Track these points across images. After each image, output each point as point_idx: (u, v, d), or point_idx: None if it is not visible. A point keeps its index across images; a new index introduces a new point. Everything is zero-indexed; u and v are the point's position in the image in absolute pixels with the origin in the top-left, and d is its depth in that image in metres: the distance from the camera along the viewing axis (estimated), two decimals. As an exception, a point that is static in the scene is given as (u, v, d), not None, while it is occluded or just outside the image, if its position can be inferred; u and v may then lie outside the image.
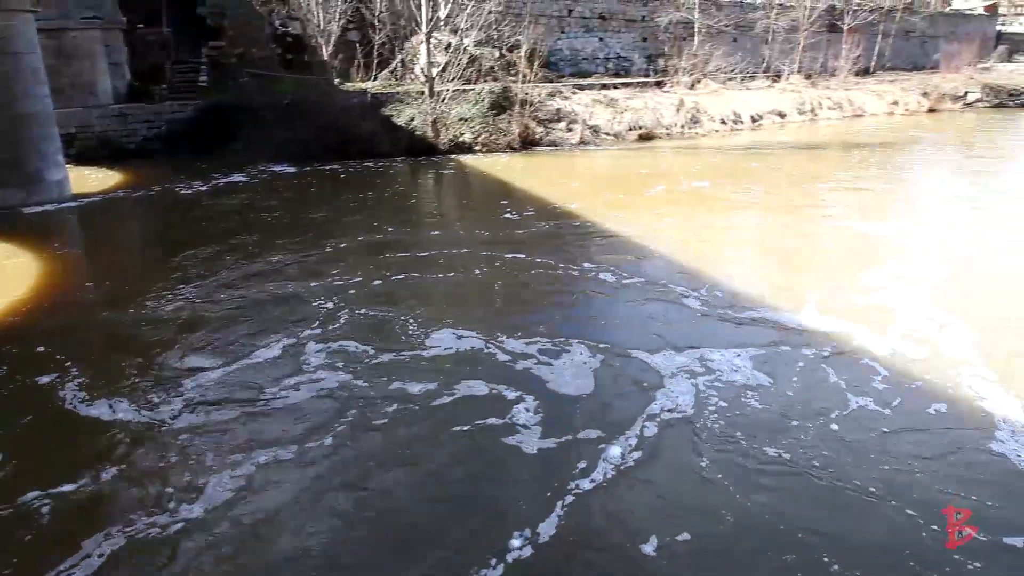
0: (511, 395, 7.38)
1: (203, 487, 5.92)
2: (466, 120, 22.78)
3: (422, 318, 9.40)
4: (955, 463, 6.25)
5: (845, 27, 38.78)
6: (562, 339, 8.73)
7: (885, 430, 6.72)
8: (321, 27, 24.28)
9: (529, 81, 24.17)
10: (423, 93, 22.50)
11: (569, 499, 5.69)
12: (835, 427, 6.76)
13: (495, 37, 26.71)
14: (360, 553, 5.28)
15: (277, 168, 19.58)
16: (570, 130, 24.11)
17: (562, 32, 30.97)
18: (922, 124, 34.24)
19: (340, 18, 24.67)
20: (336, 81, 24.41)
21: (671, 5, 33.02)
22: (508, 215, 15.19)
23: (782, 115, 32.06)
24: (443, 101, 22.43)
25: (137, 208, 16.01)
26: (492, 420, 6.89)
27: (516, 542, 5.26)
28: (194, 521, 5.51)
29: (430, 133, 21.85)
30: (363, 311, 9.71)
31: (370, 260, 12.00)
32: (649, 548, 5.18)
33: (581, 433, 6.61)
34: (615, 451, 6.32)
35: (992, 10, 54.06)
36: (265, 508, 5.68)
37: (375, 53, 25.67)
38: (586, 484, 5.86)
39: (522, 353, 8.39)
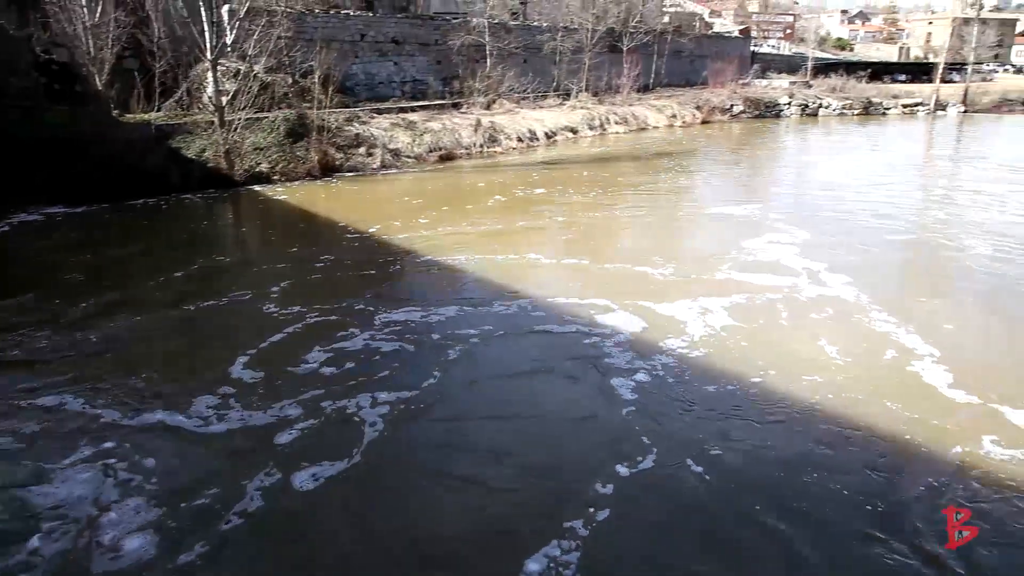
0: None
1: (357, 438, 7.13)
2: (262, 149, 22.17)
3: (375, 306, 10.68)
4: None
5: (624, 48, 41.90)
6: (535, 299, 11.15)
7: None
8: (92, 54, 22.51)
9: (325, 107, 23.97)
10: (213, 123, 21.57)
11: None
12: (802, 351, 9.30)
13: (287, 63, 26.18)
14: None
15: (54, 210, 17.86)
16: (370, 155, 24.16)
17: (356, 57, 30.96)
18: (701, 134, 38.06)
19: (114, 45, 22.98)
20: (115, 112, 22.76)
21: (462, 29, 34.04)
22: (353, 233, 15.60)
23: (574, 131, 34.09)
24: (235, 131, 21.66)
25: None
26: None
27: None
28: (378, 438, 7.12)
29: (224, 164, 21.00)
30: (307, 306, 10.61)
31: (242, 277, 12.44)
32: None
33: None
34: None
35: (746, 33, 60.87)
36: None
37: (157, 82, 24.22)
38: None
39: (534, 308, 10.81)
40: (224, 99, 21.81)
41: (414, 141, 26.11)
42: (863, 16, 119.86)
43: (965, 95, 54.33)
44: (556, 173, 24.14)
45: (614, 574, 5.40)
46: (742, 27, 63.98)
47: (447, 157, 26.29)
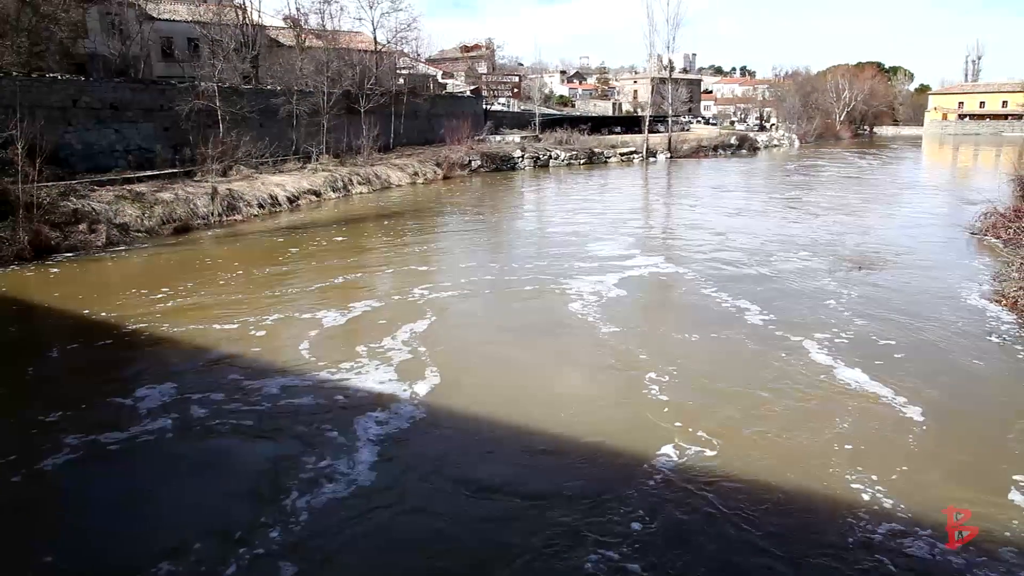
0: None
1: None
2: (-45, 232, 19.64)
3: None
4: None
5: (362, 110, 42.74)
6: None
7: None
8: None
9: (33, 181, 21.80)
10: None
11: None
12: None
13: (-19, 133, 23.43)
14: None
15: None
16: (93, 231, 22.38)
17: (69, 124, 28.48)
18: (445, 189, 40.11)
19: None
20: None
21: (191, 93, 32.77)
22: (59, 321, 14.39)
23: (318, 194, 34.14)
24: (-81, 213, 19.01)
25: None
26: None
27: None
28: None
29: (-95, 252, 18.31)
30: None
31: None
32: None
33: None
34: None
35: (477, 92, 64.99)
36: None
37: None
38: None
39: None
40: (-99, 178, 19.08)
41: (144, 214, 24.62)
42: (580, 76, 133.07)
43: (669, 143, 63.27)
44: (303, 236, 24.27)
45: None
46: (473, 87, 68.18)
47: (183, 229, 25.09)
